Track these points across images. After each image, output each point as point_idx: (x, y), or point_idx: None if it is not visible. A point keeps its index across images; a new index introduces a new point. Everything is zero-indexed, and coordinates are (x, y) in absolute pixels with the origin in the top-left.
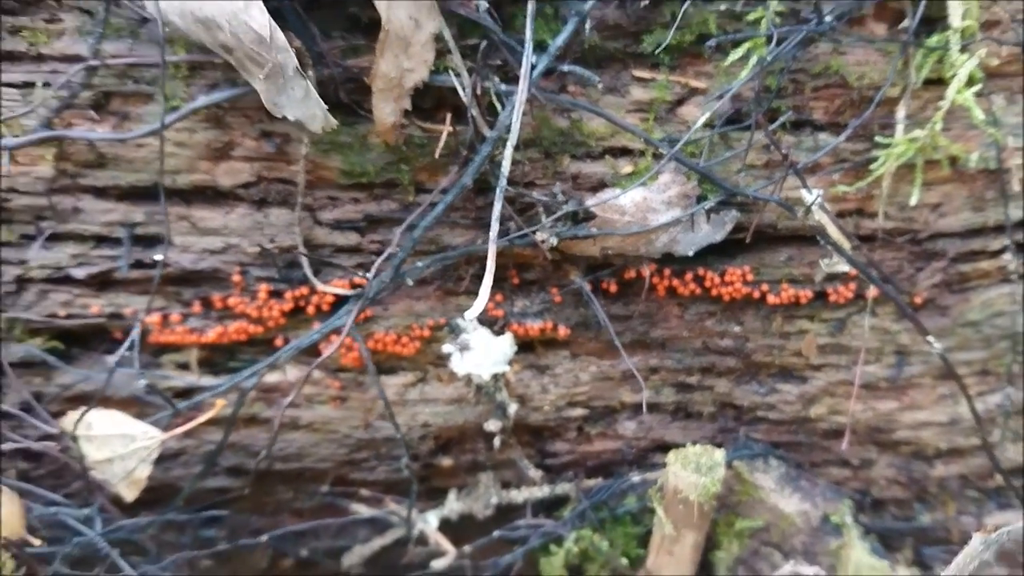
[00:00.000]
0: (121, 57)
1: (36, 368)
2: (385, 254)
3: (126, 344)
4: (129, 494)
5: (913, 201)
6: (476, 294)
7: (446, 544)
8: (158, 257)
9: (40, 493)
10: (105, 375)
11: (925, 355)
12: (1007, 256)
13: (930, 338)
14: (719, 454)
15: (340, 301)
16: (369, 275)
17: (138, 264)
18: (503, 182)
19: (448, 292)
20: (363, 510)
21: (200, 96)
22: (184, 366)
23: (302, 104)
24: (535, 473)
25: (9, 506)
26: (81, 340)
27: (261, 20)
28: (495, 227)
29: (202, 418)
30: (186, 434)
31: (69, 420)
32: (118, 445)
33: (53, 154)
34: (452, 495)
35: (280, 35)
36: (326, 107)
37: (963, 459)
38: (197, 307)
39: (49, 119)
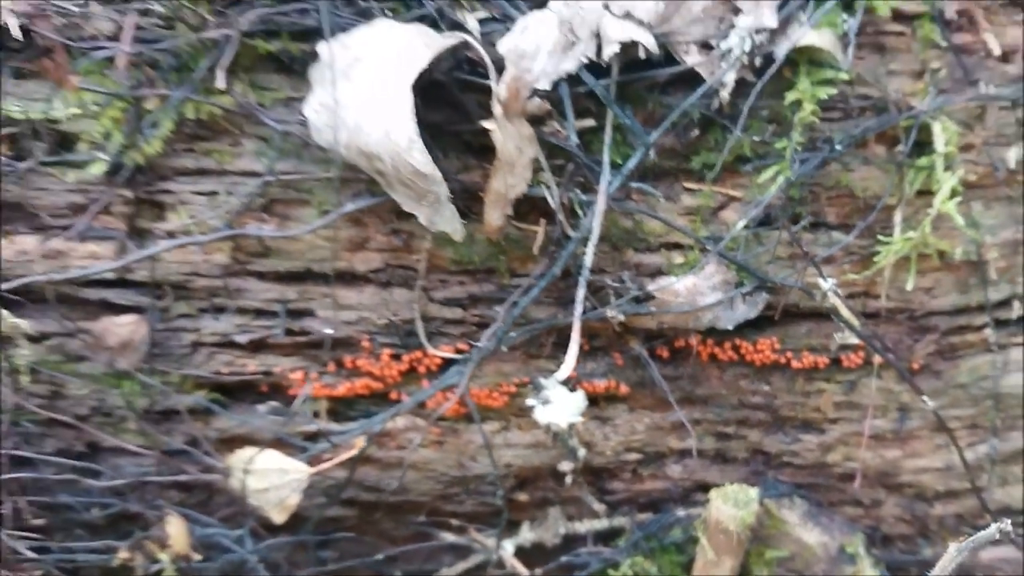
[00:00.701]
0: (288, 173)
1: (199, 415)
2: (492, 328)
3: (300, 399)
4: (279, 517)
5: (909, 286)
6: (555, 358)
7: (521, 568)
8: (328, 331)
9: (197, 517)
10: (257, 420)
11: (922, 412)
12: (988, 331)
13: (925, 397)
14: (753, 492)
15: (446, 363)
16: (482, 342)
17: (288, 332)
18: (586, 273)
19: (531, 356)
20: (451, 538)
21: (347, 203)
22: (316, 413)
23: (449, 221)
24: (599, 507)
25: (178, 527)
26: (234, 392)
27: (422, 160)
28: (579, 308)
29: (343, 456)
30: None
31: (236, 457)
32: (275, 477)
33: (230, 247)
34: (525, 526)
35: (437, 172)
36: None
37: (958, 500)
38: (332, 367)
39: (229, 220)
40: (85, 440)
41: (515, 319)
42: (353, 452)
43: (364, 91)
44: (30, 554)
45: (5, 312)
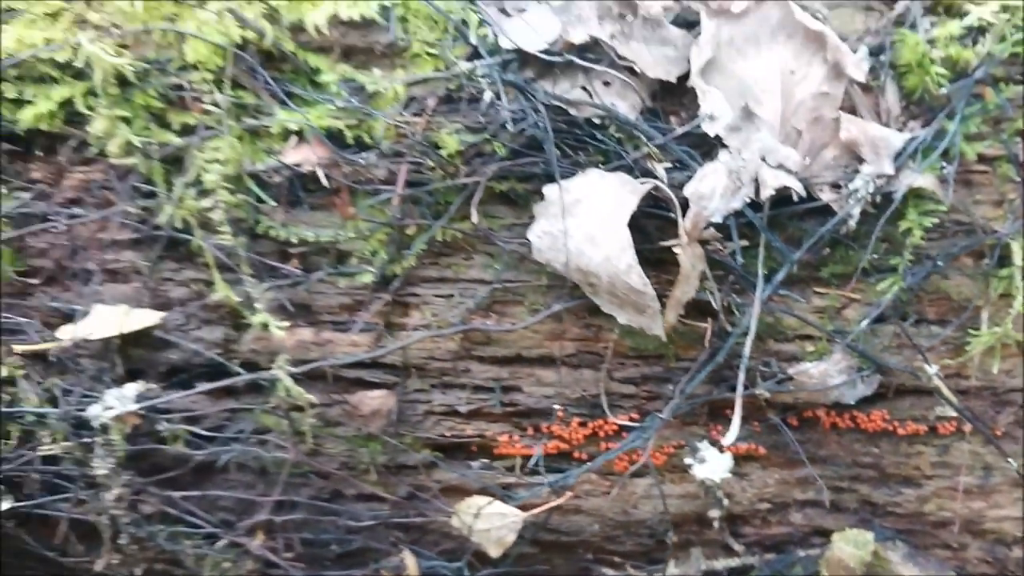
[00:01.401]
0: (509, 281)
1: (424, 468)
2: (672, 403)
3: (533, 459)
4: (496, 552)
5: (994, 369)
6: (705, 425)
7: None
8: (558, 407)
9: (419, 551)
10: (470, 472)
11: (1004, 470)
12: None
13: (1008, 459)
14: (869, 535)
15: (620, 428)
16: (664, 414)
17: (501, 404)
18: (745, 361)
19: (686, 423)
20: (611, 572)
21: (554, 304)
22: (511, 468)
23: (656, 324)
24: (738, 547)
25: (411, 560)
26: (451, 451)
27: (639, 281)
28: (740, 388)
29: (552, 504)
30: None
31: (465, 504)
32: (496, 520)
33: (460, 337)
34: (672, 563)
35: (651, 290)
36: None
37: None
38: (530, 431)
39: (462, 317)
40: (331, 489)
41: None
42: (562, 500)
43: (586, 224)
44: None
45: (295, 386)
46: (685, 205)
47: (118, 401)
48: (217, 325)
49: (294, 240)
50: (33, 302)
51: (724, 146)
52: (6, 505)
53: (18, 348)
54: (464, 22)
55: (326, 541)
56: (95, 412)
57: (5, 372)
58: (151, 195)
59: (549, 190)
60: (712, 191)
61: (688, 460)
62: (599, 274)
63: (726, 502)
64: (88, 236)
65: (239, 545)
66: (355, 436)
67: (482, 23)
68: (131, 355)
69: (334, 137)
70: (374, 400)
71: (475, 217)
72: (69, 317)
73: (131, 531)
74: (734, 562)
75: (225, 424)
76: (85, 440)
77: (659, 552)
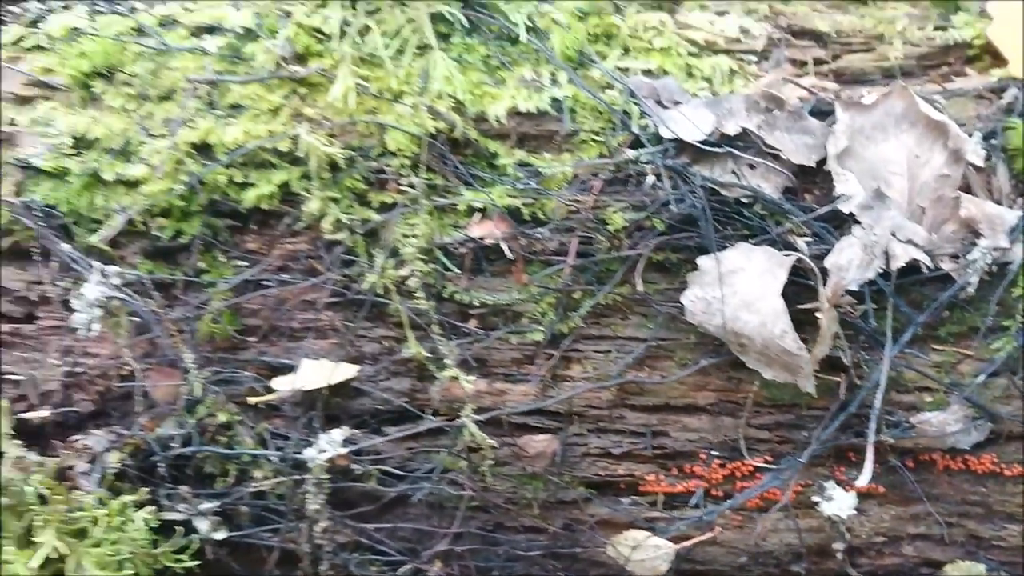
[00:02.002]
0: (661, 339)
1: (578, 504)
2: (808, 450)
3: (694, 499)
4: None
5: None
6: (832, 467)
7: None
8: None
9: None
10: (620, 507)
11: None
12: None
13: None
14: (981, 567)
15: (755, 469)
16: (803, 458)
17: (649, 447)
18: (876, 412)
19: (814, 465)
20: None
21: (702, 360)
22: (652, 504)
23: (808, 381)
24: (854, 573)
25: None
26: (601, 488)
27: (794, 346)
28: (872, 436)
29: (701, 538)
30: None
31: (624, 536)
32: (651, 551)
33: (616, 389)
34: None
35: (805, 353)
36: None
37: None
38: (674, 471)
39: (619, 371)
40: (494, 521)
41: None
42: (712, 535)
43: (741, 292)
44: None
45: (478, 431)
46: (822, 274)
47: (329, 445)
48: (404, 377)
49: (475, 303)
50: (246, 356)
51: (857, 222)
52: (222, 535)
53: (252, 399)
54: (627, 113)
55: (490, 568)
56: (311, 454)
57: (224, 418)
58: (349, 263)
59: (703, 261)
60: (849, 263)
61: (816, 498)
62: (753, 337)
63: (848, 536)
64: (293, 298)
65: (421, 571)
66: (520, 475)
67: (643, 115)
68: (329, 403)
69: (512, 213)
70: (539, 443)
71: (639, 285)
72: (275, 369)
73: (329, 559)
74: None
75: (408, 464)
76: (295, 478)
77: None
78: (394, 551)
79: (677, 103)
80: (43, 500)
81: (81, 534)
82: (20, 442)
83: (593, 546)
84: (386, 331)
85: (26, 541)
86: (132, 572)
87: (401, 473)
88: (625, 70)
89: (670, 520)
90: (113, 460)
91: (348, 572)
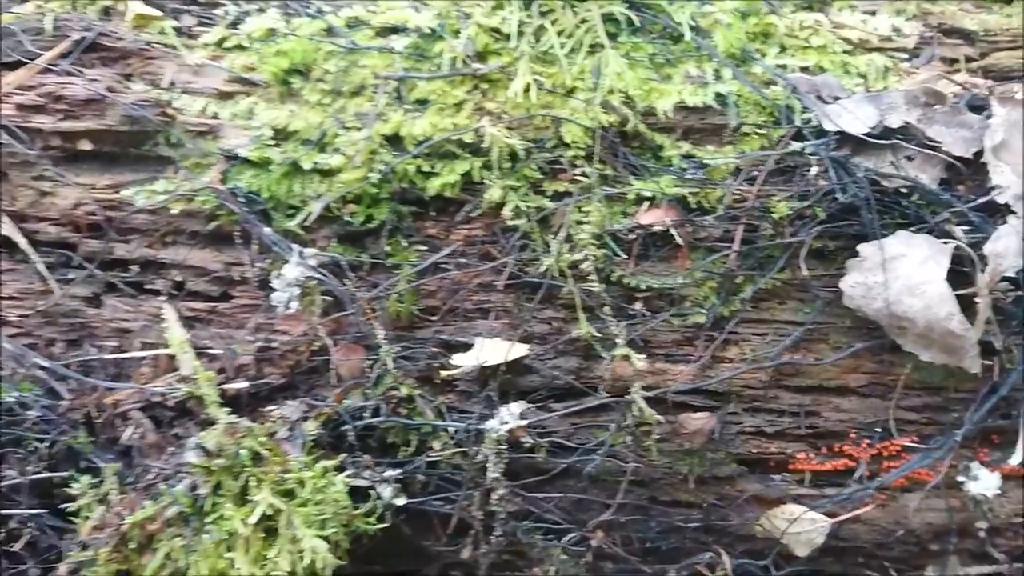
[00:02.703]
0: (817, 322)
1: (729, 480)
2: (962, 430)
3: (857, 473)
4: (803, 552)
5: None
6: (971, 448)
7: None
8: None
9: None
10: (772, 484)
11: None
12: None
13: None
14: None
15: (902, 448)
16: (958, 437)
17: (802, 426)
18: None
19: (962, 446)
20: None
21: (856, 344)
22: (800, 481)
23: (974, 363)
24: (999, 555)
25: (725, 559)
26: (752, 464)
27: (960, 327)
28: None
29: (855, 512)
30: None
31: (778, 511)
32: (807, 524)
33: (771, 371)
34: (930, 568)
35: (971, 333)
36: None
37: None
38: (824, 450)
39: (775, 353)
40: (648, 495)
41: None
42: (866, 509)
43: (904, 278)
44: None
45: (647, 407)
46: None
47: (510, 417)
48: (571, 356)
49: (642, 287)
50: (423, 334)
51: (1012, 212)
52: (401, 501)
53: (444, 373)
54: (789, 108)
55: (644, 540)
56: (492, 426)
57: (405, 392)
58: (521, 248)
59: (865, 247)
60: (1006, 250)
61: (960, 478)
62: (915, 320)
63: (991, 515)
64: (467, 281)
65: (584, 540)
66: (676, 450)
67: (805, 109)
68: (500, 379)
69: (680, 202)
70: (696, 421)
71: (804, 271)
72: (451, 347)
73: (501, 526)
74: (987, 569)
75: (571, 438)
76: (471, 449)
77: (919, 559)
78: (564, 521)
79: (837, 98)
80: (255, 462)
81: (289, 495)
82: (228, 410)
83: (743, 520)
84: (554, 312)
85: (241, 500)
86: (334, 531)
87: (570, 445)
88: (783, 67)
89: (818, 497)
90: (310, 428)
91: (516, 539)
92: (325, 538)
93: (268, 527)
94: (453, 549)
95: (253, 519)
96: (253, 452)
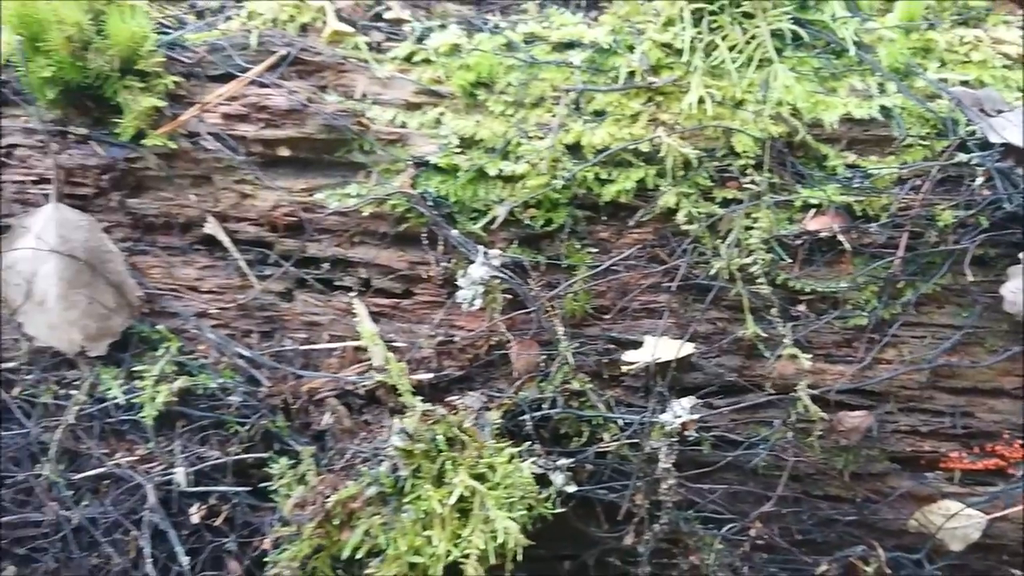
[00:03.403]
0: (975, 326)
1: (881, 476)
2: None
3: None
4: (959, 547)
5: None
6: None
7: None
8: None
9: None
10: (925, 481)
11: None
12: None
13: None
14: None
15: None
16: None
17: (957, 426)
18: None
19: None
20: (1019, 573)
21: (1014, 347)
22: (950, 479)
23: None
24: None
25: (880, 552)
26: (903, 463)
27: None
28: None
29: (1003, 512)
30: None
31: (935, 507)
32: (963, 520)
33: (929, 372)
34: None
35: None
36: None
37: None
38: (976, 450)
39: (933, 356)
40: (801, 489)
41: None
42: (1016, 509)
43: None
44: None
45: (812, 405)
46: None
47: (682, 412)
48: (735, 355)
49: (806, 290)
50: (592, 331)
51: None
52: (572, 488)
53: (625, 368)
54: (954, 120)
55: (799, 531)
56: (667, 418)
57: (577, 386)
58: (683, 252)
59: None
60: None
61: None
62: None
63: None
64: (636, 282)
65: (743, 530)
66: (832, 447)
67: (969, 121)
68: (669, 375)
69: (845, 210)
70: (855, 419)
71: (969, 276)
72: (620, 344)
73: (666, 514)
74: None
75: (730, 433)
76: (641, 441)
77: None
78: (727, 511)
79: (999, 111)
80: (451, 446)
81: (480, 478)
82: (420, 398)
83: (895, 516)
84: (718, 313)
85: (438, 482)
86: (522, 513)
87: (734, 439)
88: (944, 81)
89: (966, 495)
90: (495, 417)
91: (677, 528)
92: (513, 520)
93: (462, 508)
94: (614, 536)
95: (452, 500)
96: (448, 437)
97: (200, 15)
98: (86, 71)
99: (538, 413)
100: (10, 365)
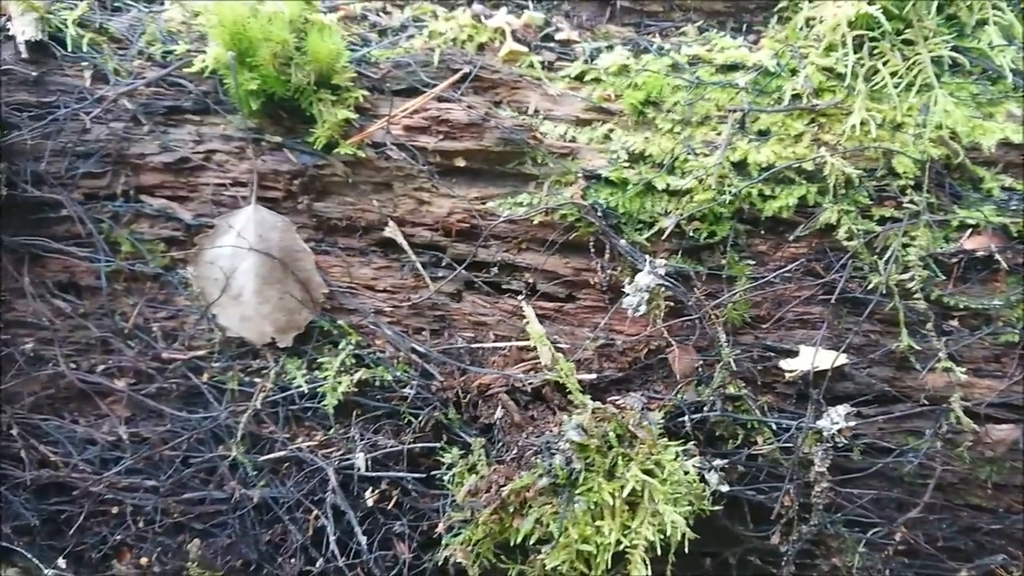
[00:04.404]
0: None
1: None
2: None
3: None
4: None
5: None
6: None
7: None
8: None
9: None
10: None
11: None
12: None
13: None
14: None
15: None
16: None
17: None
18: None
19: None
20: None
21: None
22: None
23: None
24: None
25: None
26: None
27: None
28: None
29: None
30: None
31: None
32: None
33: None
34: None
35: None
36: None
37: None
38: None
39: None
40: (943, 498)
41: None
42: None
43: None
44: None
45: (964, 416)
46: None
47: (839, 419)
48: (885, 366)
49: (959, 306)
50: (746, 340)
51: None
52: (725, 488)
53: (787, 375)
54: None
55: (941, 538)
56: (825, 424)
57: (732, 390)
58: (841, 267)
59: None
60: None
61: None
62: None
63: None
64: (792, 293)
65: (889, 535)
66: (977, 458)
67: None
68: (824, 384)
69: (1002, 230)
70: (1002, 431)
71: None
72: (776, 352)
73: (816, 518)
74: None
75: (877, 441)
76: (796, 445)
77: None
78: (876, 516)
79: None
80: (620, 443)
81: (649, 474)
82: (588, 396)
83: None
84: (871, 326)
85: (610, 475)
86: (686, 508)
87: (885, 446)
88: None
89: None
90: (658, 417)
91: (823, 530)
92: (679, 514)
93: (631, 501)
94: (758, 535)
95: (624, 493)
96: (618, 433)
97: (383, 34)
98: (288, 84)
99: (697, 415)
100: (200, 353)
